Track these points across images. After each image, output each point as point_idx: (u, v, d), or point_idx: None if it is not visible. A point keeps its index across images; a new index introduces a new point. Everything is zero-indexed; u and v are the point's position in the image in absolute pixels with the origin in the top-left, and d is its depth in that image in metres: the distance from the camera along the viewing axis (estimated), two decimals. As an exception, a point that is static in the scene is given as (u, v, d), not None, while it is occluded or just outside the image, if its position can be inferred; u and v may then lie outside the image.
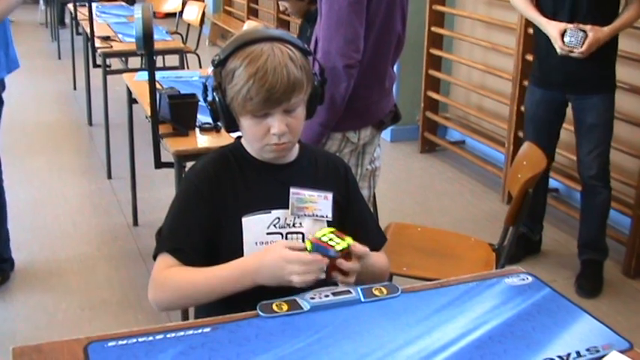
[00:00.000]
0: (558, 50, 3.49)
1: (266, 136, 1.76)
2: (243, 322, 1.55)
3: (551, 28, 3.51)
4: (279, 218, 1.81)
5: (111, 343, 1.46)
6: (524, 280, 1.79)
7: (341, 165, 2.02)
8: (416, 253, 2.98)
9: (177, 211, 1.84)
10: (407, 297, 1.68)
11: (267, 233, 1.80)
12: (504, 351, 1.48)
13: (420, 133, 5.92)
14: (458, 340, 1.51)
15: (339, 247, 1.66)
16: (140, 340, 1.47)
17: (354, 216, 1.94)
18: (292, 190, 1.82)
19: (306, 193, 1.83)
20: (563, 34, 3.46)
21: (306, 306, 1.59)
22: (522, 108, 4.71)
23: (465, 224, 4.46)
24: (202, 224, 1.79)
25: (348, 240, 1.68)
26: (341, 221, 1.88)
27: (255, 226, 1.79)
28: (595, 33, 3.40)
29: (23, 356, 1.42)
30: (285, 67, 1.70)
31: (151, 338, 1.48)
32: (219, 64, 1.77)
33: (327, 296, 1.62)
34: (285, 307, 1.59)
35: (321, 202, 1.85)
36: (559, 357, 1.47)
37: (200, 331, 1.51)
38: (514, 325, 1.58)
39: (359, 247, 1.70)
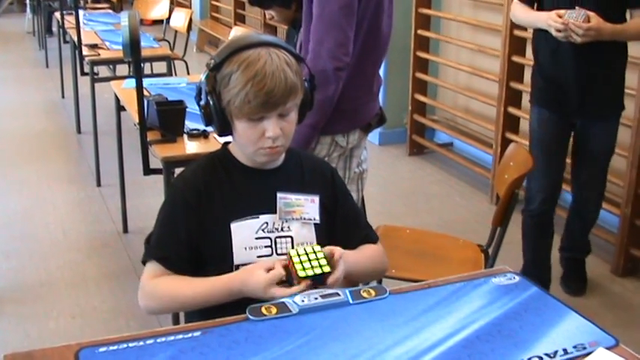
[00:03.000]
0: (553, 32, 3.14)
1: (260, 139, 1.78)
2: (233, 326, 1.56)
3: (549, 13, 3.16)
4: (267, 223, 1.83)
5: (102, 349, 1.47)
6: (511, 279, 1.81)
7: (327, 168, 2.04)
8: (405, 255, 2.99)
9: (164, 219, 1.86)
10: (395, 298, 1.69)
11: (256, 238, 1.82)
12: (492, 350, 1.50)
13: (408, 136, 5.94)
14: (445, 339, 1.53)
15: (302, 274, 1.67)
16: (131, 345, 1.48)
17: (344, 216, 1.96)
18: (279, 194, 1.84)
19: (293, 197, 1.86)
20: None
21: (294, 308, 1.61)
22: (509, 109, 4.76)
23: (453, 226, 4.48)
24: (189, 233, 1.81)
25: (325, 268, 1.70)
26: (329, 223, 1.91)
27: (243, 231, 1.81)
28: (599, 20, 3.06)
29: (14, 363, 1.43)
30: (283, 71, 1.73)
31: (141, 343, 1.49)
32: (215, 69, 1.78)
33: (315, 299, 1.63)
34: (274, 310, 1.60)
35: (308, 206, 1.87)
36: (546, 354, 1.49)
37: (190, 335, 1.52)
38: (501, 324, 1.60)
39: (331, 279, 1.71)
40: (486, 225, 2.92)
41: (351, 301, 1.65)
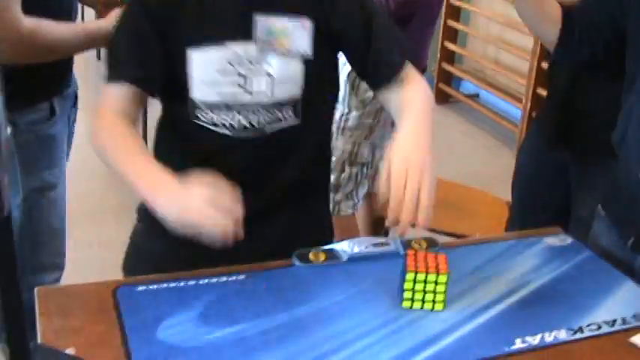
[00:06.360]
0: None
1: None
2: (278, 271, 1.48)
3: None
4: (237, 53, 1.43)
5: (140, 288, 1.39)
6: (563, 240, 1.73)
7: None
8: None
9: (126, 31, 1.47)
10: (446, 253, 1.61)
11: (220, 70, 1.43)
12: (548, 313, 1.42)
13: (434, 84, 5.82)
14: (501, 300, 1.45)
15: None
16: (171, 285, 1.41)
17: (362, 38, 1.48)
18: (258, 17, 1.43)
19: (278, 23, 1.43)
20: None
21: (343, 256, 1.52)
22: (543, 64, 4.64)
23: (475, 177, 4.38)
24: (157, 47, 1.43)
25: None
26: (327, 55, 1.52)
27: (204, 62, 1.42)
28: None
29: (48, 298, 1.36)
30: None
31: (182, 284, 1.41)
32: None
33: (366, 247, 1.55)
34: (322, 257, 1.52)
35: (298, 34, 1.45)
36: (605, 322, 1.41)
37: (234, 278, 1.44)
38: (556, 287, 1.52)
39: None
40: (509, 181, 2.82)
41: (401, 252, 1.54)
